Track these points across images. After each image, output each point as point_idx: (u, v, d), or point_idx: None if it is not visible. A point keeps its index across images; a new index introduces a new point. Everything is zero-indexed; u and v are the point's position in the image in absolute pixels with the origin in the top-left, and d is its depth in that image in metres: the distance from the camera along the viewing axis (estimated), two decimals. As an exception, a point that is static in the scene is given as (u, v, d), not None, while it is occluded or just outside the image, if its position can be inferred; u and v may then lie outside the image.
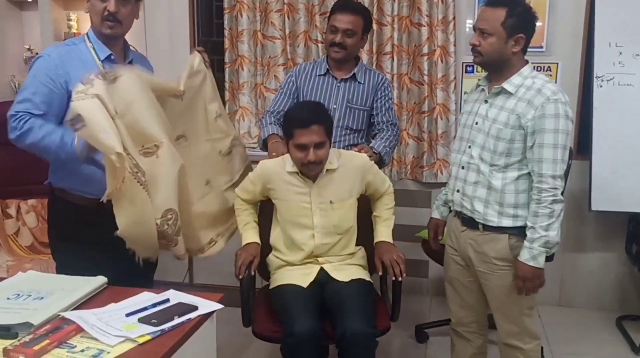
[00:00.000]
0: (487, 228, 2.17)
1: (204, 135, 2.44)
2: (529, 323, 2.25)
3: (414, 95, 3.53)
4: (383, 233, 2.45)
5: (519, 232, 2.12)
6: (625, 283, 3.54)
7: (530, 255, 2.06)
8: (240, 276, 2.25)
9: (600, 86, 3.19)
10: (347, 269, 2.37)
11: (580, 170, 3.31)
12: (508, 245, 2.15)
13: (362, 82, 2.73)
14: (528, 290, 2.11)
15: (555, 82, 3.35)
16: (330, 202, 2.33)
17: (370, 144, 2.63)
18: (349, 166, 2.37)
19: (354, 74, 2.72)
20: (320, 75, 2.74)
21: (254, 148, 3.45)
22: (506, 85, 2.11)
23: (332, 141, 2.40)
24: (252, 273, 2.34)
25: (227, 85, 3.68)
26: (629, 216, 3.25)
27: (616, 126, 3.18)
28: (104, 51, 2.17)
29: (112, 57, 2.19)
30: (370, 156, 2.47)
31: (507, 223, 2.14)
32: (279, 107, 2.78)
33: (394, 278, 2.30)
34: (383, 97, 2.76)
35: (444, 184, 2.49)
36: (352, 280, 2.32)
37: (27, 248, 3.30)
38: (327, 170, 2.33)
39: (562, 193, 2.08)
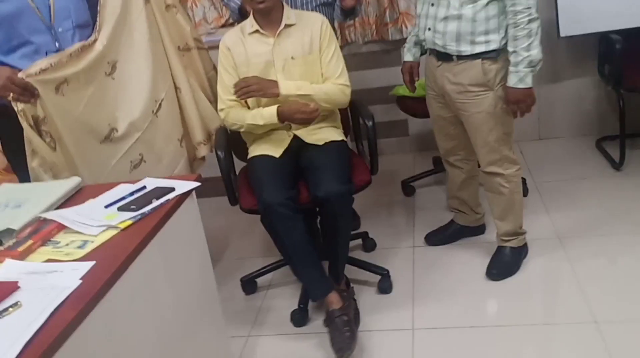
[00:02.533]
0: (461, 57, 2.22)
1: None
2: (507, 150, 2.33)
3: (366, -51, 3.36)
4: (286, 83, 2.27)
5: (492, 55, 2.18)
6: (602, 105, 3.58)
7: (518, 77, 2.12)
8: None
9: None
10: (320, 132, 2.37)
11: (546, -1, 3.23)
12: (482, 69, 2.20)
13: None
14: (522, 111, 2.21)
15: None
16: (292, 58, 2.29)
17: None
18: (308, 22, 2.33)
19: None
20: None
21: (212, 33, 3.35)
22: None
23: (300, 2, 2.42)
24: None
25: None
26: (599, 36, 3.21)
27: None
28: None
29: None
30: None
31: (479, 49, 2.18)
32: None
33: None
34: None
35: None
36: (326, 142, 2.33)
37: (3, 170, 3.25)
38: (285, 25, 2.29)
39: (536, 11, 2.09)
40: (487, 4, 2.13)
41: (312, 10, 2.56)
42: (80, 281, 1.25)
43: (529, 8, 2.06)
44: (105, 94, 2.18)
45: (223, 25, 3.54)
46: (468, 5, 2.14)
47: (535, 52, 2.10)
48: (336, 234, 2.29)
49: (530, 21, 2.07)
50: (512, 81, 2.14)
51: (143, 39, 2.28)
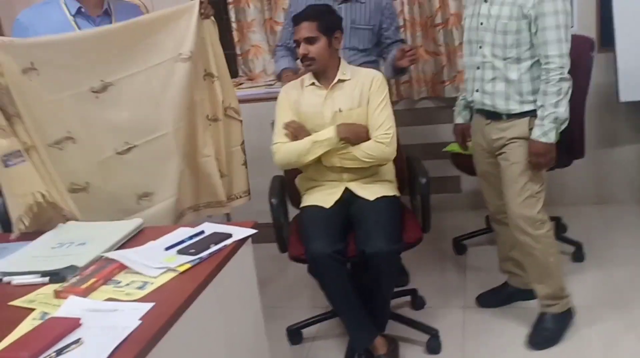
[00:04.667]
0: (511, 116, 2.28)
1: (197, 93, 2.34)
2: (538, 210, 2.30)
3: (426, 9, 3.43)
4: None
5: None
6: (663, 172, 3.48)
7: (541, 131, 2.18)
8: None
9: (619, -28, 3.04)
10: (373, 186, 2.38)
11: (605, 63, 3.21)
12: (528, 124, 2.25)
13: (364, 1, 2.74)
14: (541, 166, 2.24)
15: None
16: (340, 110, 2.35)
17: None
18: (361, 77, 2.39)
19: None
20: None
21: (271, 84, 3.44)
22: None
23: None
24: None
25: (234, 25, 3.64)
26: (660, 103, 3.16)
27: (638, 12, 3.05)
28: (74, 4, 2.16)
29: (83, 9, 2.18)
30: (414, 52, 2.59)
31: (528, 107, 2.24)
32: (286, 40, 2.84)
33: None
34: (390, 16, 2.82)
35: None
36: (378, 197, 2.34)
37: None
38: (339, 80, 2.36)
39: (568, 72, 2.16)
40: (531, 66, 2.20)
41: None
42: (140, 322, 1.28)
43: (561, 67, 2.13)
44: (76, 107, 2.08)
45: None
46: (512, 65, 2.21)
47: (562, 111, 2.16)
48: (379, 290, 2.30)
49: (561, 80, 2.13)
50: (536, 134, 2.19)
51: (157, 87, 2.21)
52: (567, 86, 2.16)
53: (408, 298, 2.75)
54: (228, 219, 3.42)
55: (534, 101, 2.21)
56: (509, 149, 2.30)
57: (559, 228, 3.18)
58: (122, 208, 2.19)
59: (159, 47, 2.20)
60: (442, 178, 3.65)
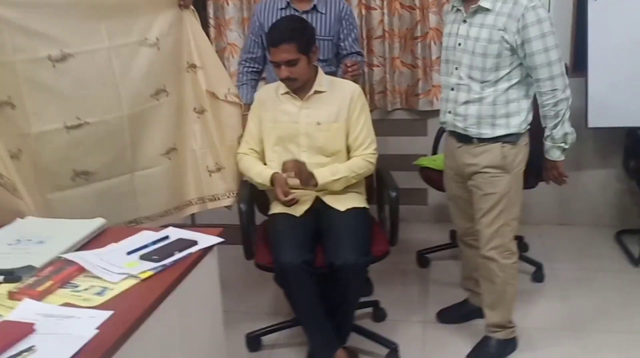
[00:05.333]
0: (482, 140, 2.25)
1: (180, 88, 2.34)
2: (510, 238, 2.32)
3: (406, 21, 3.44)
4: (322, 171, 2.31)
5: (512, 139, 2.22)
6: (624, 198, 3.57)
7: (545, 149, 2.27)
8: (287, 198, 2.26)
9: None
10: (344, 197, 2.38)
11: (577, 88, 3.23)
12: (501, 152, 2.23)
13: (324, 12, 2.75)
14: (550, 179, 2.39)
15: (549, 2, 3.28)
16: (318, 123, 2.34)
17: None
18: (340, 90, 2.38)
19: (315, 5, 2.73)
20: (281, 8, 2.75)
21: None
22: (483, 2, 2.13)
23: None
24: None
25: (211, 22, 3.58)
26: (626, 131, 3.23)
27: (612, 40, 3.11)
28: None
29: None
30: (356, 68, 2.62)
31: (500, 132, 2.22)
32: (249, 52, 2.86)
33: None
34: (348, 27, 2.82)
35: (439, 111, 2.48)
36: (347, 208, 2.34)
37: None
38: (315, 91, 2.34)
39: (565, 90, 2.16)
40: (508, 89, 2.18)
41: None
42: (97, 331, 1.23)
43: (554, 90, 2.13)
44: (27, 74, 2.01)
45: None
46: (489, 89, 2.18)
47: (560, 133, 2.20)
48: (345, 302, 2.30)
49: (556, 103, 2.14)
50: (544, 149, 2.27)
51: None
52: (564, 107, 2.15)
53: (370, 309, 2.75)
54: (193, 219, 3.37)
55: (506, 125, 2.20)
56: (483, 180, 2.28)
57: (521, 247, 3.22)
58: (53, 183, 2.14)
59: (127, 28, 2.19)
60: (409, 189, 3.65)
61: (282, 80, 2.31)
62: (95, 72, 2.13)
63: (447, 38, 2.31)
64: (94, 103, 2.14)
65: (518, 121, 2.21)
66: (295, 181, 2.28)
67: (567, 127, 2.20)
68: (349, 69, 2.63)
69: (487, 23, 2.13)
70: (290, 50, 2.22)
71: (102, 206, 2.19)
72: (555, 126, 2.18)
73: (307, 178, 2.27)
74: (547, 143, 2.24)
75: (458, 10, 2.24)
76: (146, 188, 2.34)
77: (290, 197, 2.26)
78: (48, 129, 2.08)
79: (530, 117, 2.25)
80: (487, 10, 2.12)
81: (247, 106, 2.67)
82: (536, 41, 2.09)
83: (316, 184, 2.28)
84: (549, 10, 3.24)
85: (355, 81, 2.65)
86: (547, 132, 2.22)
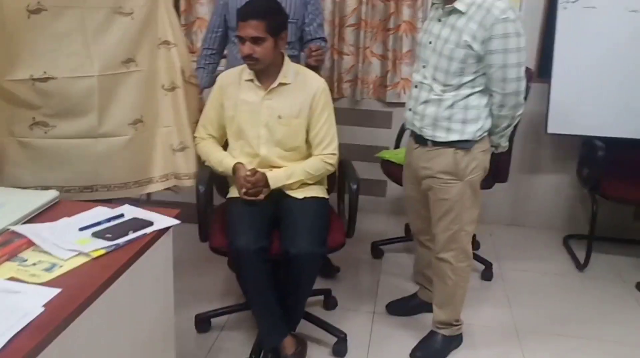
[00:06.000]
0: (435, 143, 2.24)
1: (151, 62, 2.33)
2: (465, 243, 2.33)
3: (379, 11, 3.44)
4: (278, 173, 2.32)
5: (466, 145, 2.20)
6: (575, 204, 3.67)
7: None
8: (244, 190, 2.25)
9: (565, 8, 3.15)
10: (304, 187, 2.37)
11: (540, 93, 3.33)
12: (454, 158, 2.22)
13: None
14: None
15: (521, 3, 3.32)
16: (279, 117, 2.32)
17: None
18: (304, 84, 2.35)
19: None
20: None
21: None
22: (457, 4, 2.08)
23: None
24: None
25: (183, -6, 3.51)
26: (583, 139, 3.32)
27: (577, 49, 3.18)
28: None
29: None
30: (320, 53, 2.60)
31: (454, 137, 2.20)
32: (212, 32, 2.86)
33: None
34: (313, 12, 2.80)
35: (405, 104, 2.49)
36: (306, 197, 2.34)
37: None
38: (280, 83, 2.31)
39: (514, 109, 2.17)
40: (469, 95, 2.15)
41: None
42: (43, 308, 1.21)
43: (501, 106, 2.15)
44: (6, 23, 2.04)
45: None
46: (450, 92, 2.16)
47: (496, 139, 2.29)
48: (297, 290, 2.31)
49: (499, 117, 2.19)
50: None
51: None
52: (505, 124, 2.20)
53: (321, 297, 2.77)
54: (148, 195, 3.31)
55: (461, 132, 2.18)
56: (436, 186, 2.27)
57: (472, 245, 3.28)
58: (9, 128, 2.16)
59: None
60: (369, 180, 3.68)
61: (244, 58, 2.26)
62: (66, 28, 2.14)
63: (422, 34, 2.28)
64: (62, 59, 2.15)
65: (474, 129, 2.18)
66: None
67: (502, 138, 2.28)
68: (313, 54, 2.61)
69: (458, 26, 2.09)
70: (259, 27, 2.19)
71: (59, 164, 2.21)
72: (495, 133, 2.25)
73: (260, 186, 2.28)
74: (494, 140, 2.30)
75: (437, 7, 2.19)
76: (109, 156, 2.31)
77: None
78: (15, 78, 2.09)
79: (487, 126, 2.22)
80: (461, 13, 2.07)
81: (201, 90, 2.68)
82: (497, 55, 2.04)
83: (269, 189, 2.28)
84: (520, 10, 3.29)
85: (317, 66, 2.64)
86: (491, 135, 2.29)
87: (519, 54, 2.06)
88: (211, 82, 2.75)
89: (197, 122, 2.46)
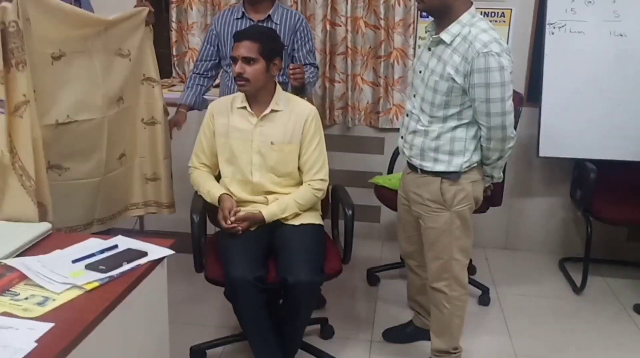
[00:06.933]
0: (424, 171, 2.24)
1: (134, 97, 2.47)
2: (459, 271, 2.30)
3: (370, 39, 3.47)
4: (271, 207, 2.33)
5: (452, 176, 2.19)
6: (569, 226, 3.67)
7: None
8: (228, 222, 2.25)
9: (552, 33, 3.20)
10: (299, 213, 2.36)
11: (530, 117, 3.36)
12: (440, 188, 2.20)
13: (279, 22, 2.78)
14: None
15: (509, 29, 3.36)
16: (271, 143, 2.33)
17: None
18: (296, 111, 2.36)
19: (269, 15, 2.76)
20: (237, 18, 2.80)
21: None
22: (443, 35, 2.07)
23: None
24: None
25: (174, 25, 3.53)
26: (574, 162, 3.34)
27: (566, 73, 3.22)
28: None
29: None
30: (298, 71, 2.57)
31: (440, 167, 2.19)
32: (202, 60, 2.90)
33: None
34: (302, 39, 2.84)
35: (399, 130, 2.49)
36: (302, 224, 2.33)
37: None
38: (272, 110, 2.33)
39: (503, 140, 2.14)
40: (455, 127, 2.13)
41: None
42: (36, 344, 1.18)
43: (488, 139, 2.13)
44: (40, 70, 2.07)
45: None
46: (436, 124, 2.15)
47: (488, 170, 2.26)
48: (295, 320, 2.28)
49: (487, 149, 2.16)
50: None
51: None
52: (495, 156, 2.17)
53: (318, 326, 2.73)
54: (141, 225, 3.30)
55: (448, 162, 2.16)
56: (425, 213, 2.25)
57: (469, 270, 3.26)
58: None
59: (105, 37, 2.30)
60: (363, 206, 3.67)
61: (235, 78, 2.28)
62: (81, 71, 2.21)
63: (415, 61, 2.29)
64: (80, 102, 2.22)
65: (460, 161, 2.15)
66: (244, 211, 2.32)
67: (497, 172, 2.28)
68: (291, 72, 2.60)
69: (444, 58, 2.06)
70: (251, 48, 2.23)
71: (67, 204, 2.24)
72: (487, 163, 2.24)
73: (254, 222, 2.30)
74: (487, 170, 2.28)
75: (431, 34, 2.17)
76: (106, 192, 2.42)
77: (232, 225, 2.25)
78: (43, 124, 2.04)
79: (476, 157, 2.19)
80: (446, 44, 2.05)
81: (183, 106, 2.80)
82: (480, 89, 2.01)
83: (263, 222, 2.30)
84: (507, 38, 3.33)
85: (300, 86, 2.65)
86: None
87: (502, 89, 2.01)
88: (196, 103, 2.84)
89: (169, 156, 2.61)
